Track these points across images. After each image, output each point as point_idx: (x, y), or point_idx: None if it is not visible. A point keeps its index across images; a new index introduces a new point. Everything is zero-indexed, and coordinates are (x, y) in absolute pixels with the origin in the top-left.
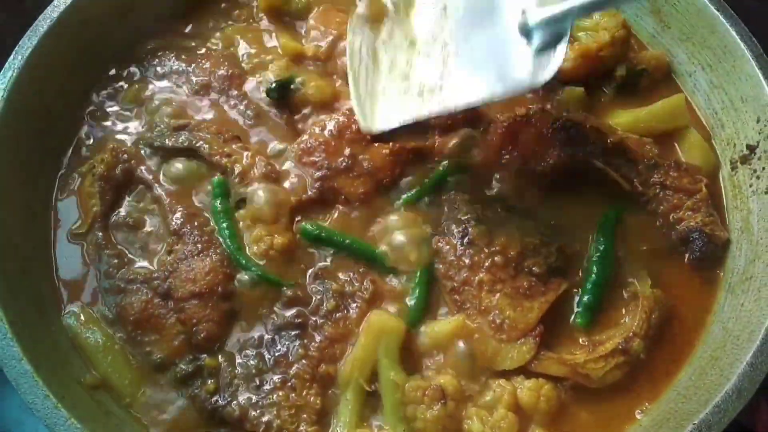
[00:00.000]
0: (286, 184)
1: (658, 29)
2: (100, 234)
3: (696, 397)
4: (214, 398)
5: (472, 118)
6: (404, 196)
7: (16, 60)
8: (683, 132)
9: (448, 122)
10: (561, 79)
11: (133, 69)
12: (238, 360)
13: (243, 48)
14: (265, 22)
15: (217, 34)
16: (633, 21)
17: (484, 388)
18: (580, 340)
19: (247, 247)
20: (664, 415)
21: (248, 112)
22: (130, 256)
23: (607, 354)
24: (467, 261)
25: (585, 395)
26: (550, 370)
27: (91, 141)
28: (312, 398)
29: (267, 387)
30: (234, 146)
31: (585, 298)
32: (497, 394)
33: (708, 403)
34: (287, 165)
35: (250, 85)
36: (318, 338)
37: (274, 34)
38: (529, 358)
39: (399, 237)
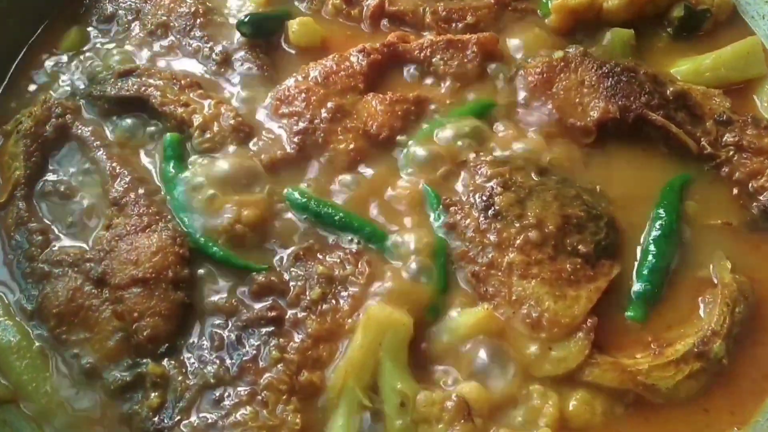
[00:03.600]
0: (259, 140)
1: None
2: (23, 205)
3: None
4: (159, 417)
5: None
6: (404, 154)
7: None
8: (760, 83)
9: (461, 70)
10: (606, 20)
11: (76, 8)
12: (192, 366)
13: None
14: None
15: None
16: None
17: (519, 401)
18: (648, 340)
19: (206, 221)
20: None
21: (214, 55)
22: (58, 232)
23: (679, 359)
24: (493, 238)
25: (653, 413)
26: (604, 379)
27: (20, 93)
28: (290, 416)
29: (229, 402)
30: (192, 94)
31: (640, 287)
32: (537, 408)
33: None
34: (261, 116)
35: (217, 23)
36: (298, 337)
37: None
38: (578, 361)
39: (402, 206)
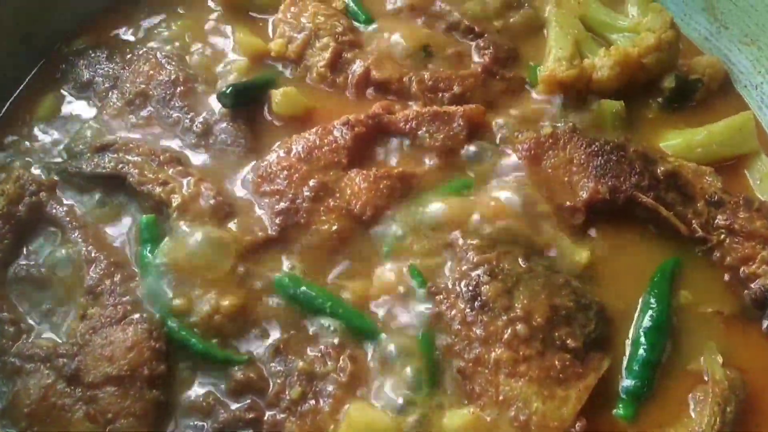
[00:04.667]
0: (239, 221)
1: (712, 30)
2: None
3: None
4: None
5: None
6: (390, 238)
7: None
8: (752, 159)
9: (447, 143)
10: (596, 91)
11: (52, 74)
12: None
13: (192, 47)
14: (222, 15)
15: (162, 30)
16: (681, 20)
17: None
18: None
19: (182, 311)
20: None
21: (194, 127)
22: (30, 322)
23: None
24: (480, 332)
25: None
26: None
27: None
28: None
29: None
30: (171, 171)
31: (630, 383)
32: None
33: None
34: (242, 193)
35: (198, 93)
36: None
37: (231, 29)
38: None
39: (388, 291)
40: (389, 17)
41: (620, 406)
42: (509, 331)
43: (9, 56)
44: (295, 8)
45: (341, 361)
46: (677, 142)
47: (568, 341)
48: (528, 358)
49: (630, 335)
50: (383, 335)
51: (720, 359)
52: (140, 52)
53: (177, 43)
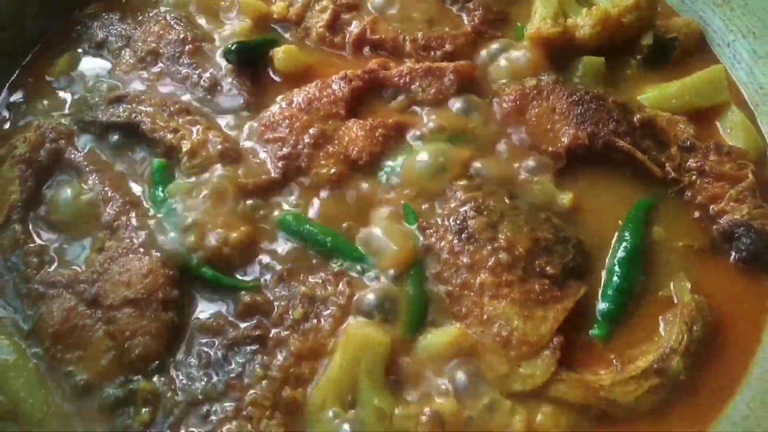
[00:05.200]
0: (245, 165)
1: None
2: (19, 227)
3: (757, 427)
4: (149, 431)
5: (469, 86)
6: (384, 177)
7: None
8: (723, 110)
9: (439, 96)
10: (578, 49)
11: (68, 35)
12: (180, 383)
13: (199, 9)
14: None
15: None
16: None
17: (489, 416)
18: (611, 358)
19: (194, 244)
20: None
21: (202, 82)
22: (53, 254)
23: (639, 375)
24: (466, 260)
25: (615, 427)
26: (570, 395)
27: (14, 118)
28: (273, 430)
29: (216, 417)
30: (181, 120)
31: (605, 306)
32: (506, 422)
33: None
34: (247, 142)
35: (205, 51)
36: (281, 355)
37: None
38: (545, 378)
39: (380, 231)
40: None
41: (596, 327)
42: (493, 259)
43: (29, 19)
44: None
45: (340, 286)
46: (653, 94)
47: (547, 269)
48: (510, 282)
49: (606, 266)
50: (376, 260)
51: (688, 285)
52: (151, 15)
53: (185, 7)
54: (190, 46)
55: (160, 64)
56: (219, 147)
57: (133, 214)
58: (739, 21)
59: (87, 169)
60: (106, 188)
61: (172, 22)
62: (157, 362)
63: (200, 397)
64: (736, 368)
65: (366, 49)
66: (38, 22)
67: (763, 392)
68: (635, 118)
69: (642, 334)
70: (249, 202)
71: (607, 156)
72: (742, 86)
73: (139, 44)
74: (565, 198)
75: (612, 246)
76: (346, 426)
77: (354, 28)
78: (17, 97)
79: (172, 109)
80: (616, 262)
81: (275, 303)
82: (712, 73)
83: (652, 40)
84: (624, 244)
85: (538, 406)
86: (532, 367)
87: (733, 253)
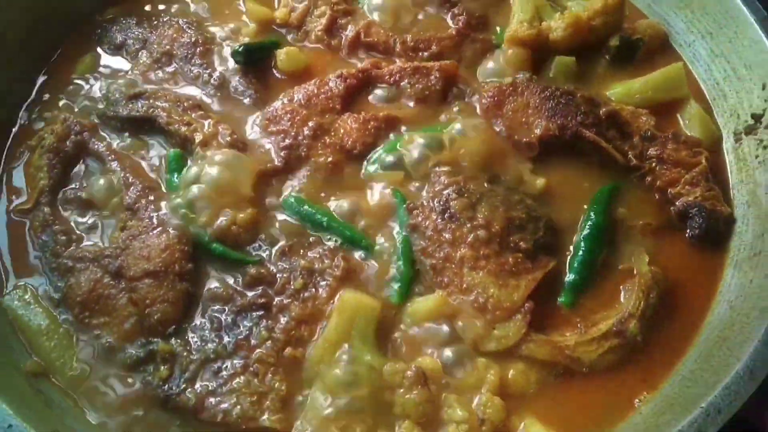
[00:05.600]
0: (250, 155)
1: None
2: (47, 209)
3: (703, 380)
4: (167, 385)
5: (453, 84)
6: (374, 167)
7: None
8: (683, 103)
9: (425, 92)
10: (552, 49)
11: (89, 37)
12: (195, 344)
13: (209, 15)
14: None
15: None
16: None
17: (467, 370)
18: (576, 321)
19: (206, 223)
20: (667, 401)
21: (212, 81)
22: (79, 232)
23: (600, 336)
24: (448, 236)
25: (578, 381)
26: (538, 353)
27: (42, 113)
28: (277, 384)
29: (226, 373)
30: (194, 115)
31: (571, 277)
32: (481, 377)
33: (716, 385)
34: (253, 134)
35: (215, 52)
36: (284, 320)
37: (242, 0)
38: (517, 339)
39: (375, 209)
40: None
41: (563, 295)
42: (472, 235)
43: (53, 22)
44: None
45: (336, 260)
46: (620, 89)
47: (520, 244)
48: (487, 256)
49: (573, 242)
50: (371, 241)
51: (647, 258)
52: (165, 20)
53: (196, 12)
54: (201, 48)
55: (174, 65)
56: (228, 138)
57: (152, 197)
58: (698, 23)
59: (109, 158)
60: (127, 174)
61: (185, 26)
62: (174, 326)
63: (212, 356)
64: (686, 331)
65: (360, 51)
66: (62, 26)
67: (708, 351)
68: (601, 111)
69: (604, 301)
70: (256, 186)
71: (576, 145)
72: (701, 82)
73: (155, 46)
74: (538, 182)
75: (579, 224)
76: (339, 370)
77: (349, 31)
78: (45, 93)
79: (185, 104)
80: (582, 239)
81: (278, 275)
82: (672, 70)
83: (619, 41)
84: (589, 222)
85: (511, 363)
86: (506, 329)
87: (687, 231)
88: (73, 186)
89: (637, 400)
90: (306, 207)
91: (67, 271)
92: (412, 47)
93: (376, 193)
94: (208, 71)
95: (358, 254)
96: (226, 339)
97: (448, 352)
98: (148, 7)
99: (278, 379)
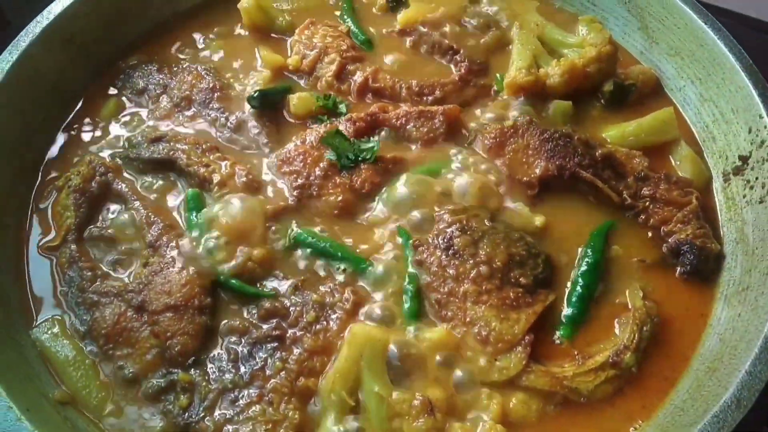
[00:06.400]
0: (264, 194)
1: (646, 45)
2: (74, 247)
3: (693, 409)
4: (188, 413)
5: (456, 127)
6: (378, 208)
7: None
8: (674, 145)
9: (430, 135)
10: (550, 94)
11: (112, 83)
12: (213, 374)
13: (226, 62)
14: (249, 37)
15: (201, 48)
16: (621, 38)
17: (470, 400)
18: (574, 353)
19: (223, 259)
20: (661, 429)
21: (229, 124)
22: (104, 269)
23: (597, 367)
24: (452, 272)
25: (576, 410)
26: (538, 383)
27: (68, 155)
28: (290, 412)
29: (243, 401)
30: (212, 156)
31: (569, 311)
32: (484, 406)
33: (706, 414)
34: (267, 174)
35: (231, 97)
36: (297, 351)
37: (257, 48)
38: (518, 370)
39: (382, 246)
40: (384, 38)
41: (561, 328)
42: (475, 271)
43: (78, 69)
44: (308, 31)
45: (346, 294)
46: (614, 132)
47: (520, 279)
48: (489, 290)
49: (571, 278)
50: (377, 271)
51: (641, 293)
52: (184, 66)
53: (214, 59)
54: (219, 93)
55: (193, 109)
56: (244, 179)
57: (173, 235)
58: (688, 69)
59: (132, 197)
60: (148, 213)
61: (203, 73)
62: (194, 357)
63: (230, 385)
64: (679, 362)
65: (368, 96)
66: (86, 72)
67: (698, 382)
68: (597, 153)
69: (600, 334)
70: (270, 223)
71: (573, 185)
72: (692, 125)
73: (175, 91)
74: (537, 220)
75: (576, 261)
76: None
77: (358, 77)
78: (71, 136)
79: (204, 146)
80: (579, 274)
81: (291, 308)
82: (663, 114)
83: (612, 86)
84: (586, 259)
85: (512, 393)
86: (507, 360)
87: (679, 267)
88: (98, 224)
89: (632, 429)
90: (315, 240)
91: (93, 306)
92: (417, 92)
93: (383, 231)
94: (225, 115)
95: (367, 287)
96: (242, 369)
97: (452, 383)
98: (171, 53)
99: (292, 408)
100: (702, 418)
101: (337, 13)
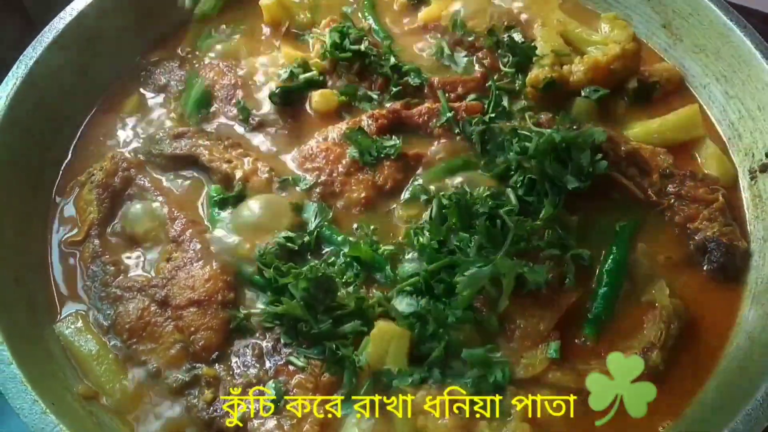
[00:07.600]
0: (289, 190)
1: (670, 43)
2: (97, 242)
3: (723, 408)
4: (212, 408)
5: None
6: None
7: (20, 69)
8: (699, 143)
9: (452, 131)
10: (572, 91)
11: (135, 79)
12: (237, 369)
13: (247, 58)
14: (270, 34)
15: (222, 45)
16: (645, 36)
17: (497, 398)
18: (600, 351)
19: (245, 253)
20: (690, 428)
21: (251, 120)
22: (127, 263)
23: None
24: None
25: None
26: (564, 381)
27: (91, 150)
28: (315, 408)
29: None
30: (234, 153)
31: (594, 309)
32: (510, 404)
33: (737, 412)
34: (289, 171)
35: (253, 93)
36: (321, 348)
37: (278, 44)
38: (543, 367)
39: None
40: (405, 34)
41: (587, 326)
42: None
43: (100, 66)
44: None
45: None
46: (638, 129)
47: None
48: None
49: (596, 276)
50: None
51: (667, 291)
52: (206, 63)
53: (236, 56)
54: (240, 89)
55: (215, 105)
56: (266, 175)
57: (195, 230)
58: (713, 66)
59: (155, 193)
60: (171, 209)
61: (225, 69)
62: (218, 352)
63: (254, 380)
64: (706, 360)
65: (390, 92)
66: (109, 68)
67: (728, 380)
68: (622, 150)
69: (627, 332)
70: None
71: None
72: (717, 122)
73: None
74: (572, 220)
75: (602, 258)
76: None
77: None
78: (95, 132)
79: (226, 143)
80: (605, 272)
81: None
82: (688, 111)
83: (636, 83)
84: (612, 256)
85: (537, 389)
86: (532, 357)
87: (706, 265)
88: (121, 220)
89: (660, 427)
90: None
91: (116, 300)
92: (439, 89)
93: (404, 227)
94: (246, 111)
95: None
96: (267, 364)
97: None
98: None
99: (316, 403)
100: (733, 416)
101: (347, 10)
